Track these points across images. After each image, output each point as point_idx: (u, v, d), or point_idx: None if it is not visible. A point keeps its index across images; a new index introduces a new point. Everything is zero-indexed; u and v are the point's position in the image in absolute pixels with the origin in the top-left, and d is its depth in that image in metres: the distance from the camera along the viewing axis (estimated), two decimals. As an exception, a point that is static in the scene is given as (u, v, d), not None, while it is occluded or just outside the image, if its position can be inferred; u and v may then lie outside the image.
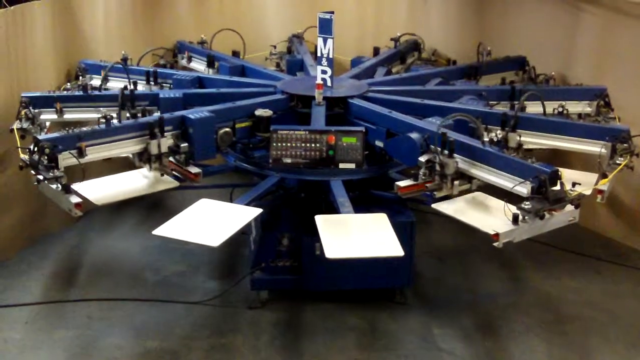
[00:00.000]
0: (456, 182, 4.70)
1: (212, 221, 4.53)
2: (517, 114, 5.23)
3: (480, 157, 4.67)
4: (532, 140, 5.28)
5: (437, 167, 4.68)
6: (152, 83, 6.42)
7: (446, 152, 4.66)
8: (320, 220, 4.50)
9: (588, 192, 4.72)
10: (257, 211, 4.69)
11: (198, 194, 5.30)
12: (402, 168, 5.51)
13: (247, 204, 4.90)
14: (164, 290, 5.76)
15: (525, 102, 5.50)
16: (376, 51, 7.60)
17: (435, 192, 4.75)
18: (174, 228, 4.42)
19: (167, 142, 5.00)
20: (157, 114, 5.40)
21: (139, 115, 5.30)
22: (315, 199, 5.58)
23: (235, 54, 7.40)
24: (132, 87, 5.86)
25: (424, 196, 5.27)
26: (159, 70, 6.59)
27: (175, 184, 5.11)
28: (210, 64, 7.10)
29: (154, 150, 4.93)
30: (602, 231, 6.70)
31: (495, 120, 5.30)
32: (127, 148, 4.98)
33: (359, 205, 4.99)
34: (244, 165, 5.67)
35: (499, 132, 5.05)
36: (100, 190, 4.80)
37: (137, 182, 5.07)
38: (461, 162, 4.73)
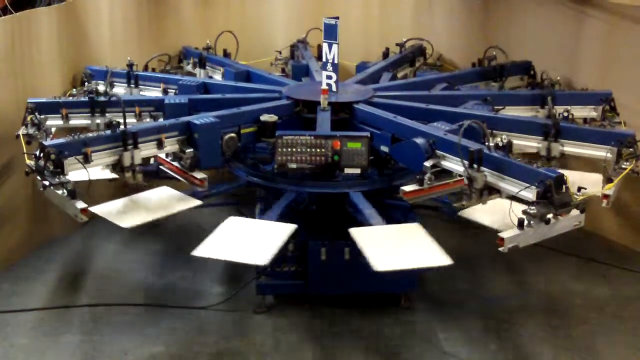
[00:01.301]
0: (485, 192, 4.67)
1: (249, 239, 4.58)
2: (558, 122, 5.28)
3: (485, 162, 4.67)
4: (535, 144, 5.30)
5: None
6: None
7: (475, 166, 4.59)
8: (358, 233, 4.52)
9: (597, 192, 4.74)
10: (291, 227, 4.72)
11: (209, 208, 5.31)
12: (410, 178, 5.43)
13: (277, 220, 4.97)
14: (170, 295, 5.77)
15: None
16: (386, 54, 7.59)
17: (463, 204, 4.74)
18: (213, 248, 4.45)
19: (171, 147, 5.06)
20: (162, 120, 5.42)
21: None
22: (329, 210, 5.59)
23: (227, 55, 7.41)
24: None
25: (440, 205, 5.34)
26: (165, 75, 6.62)
27: (199, 202, 5.11)
28: (201, 65, 7.19)
29: (126, 162, 4.91)
30: (608, 235, 6.69)
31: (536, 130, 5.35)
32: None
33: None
34: (255, 180, 5.67)
35: (504, 137, 5.05)
36: (123, 212, 4.82)
37: (158, 201, 5.06)
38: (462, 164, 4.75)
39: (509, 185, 4.56)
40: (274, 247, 4.44)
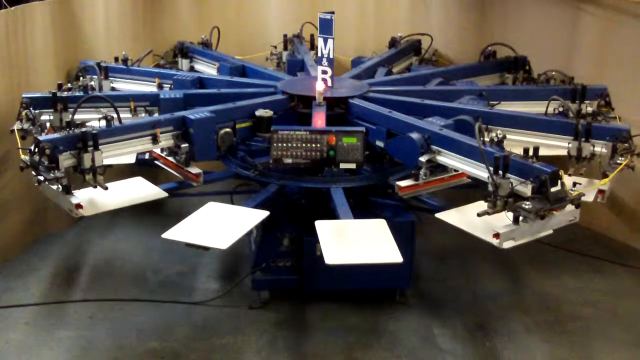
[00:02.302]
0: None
1: (220, 224, 4.57)
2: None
3: (480, 157, 4.67)
4: (527, 139, 5.28)
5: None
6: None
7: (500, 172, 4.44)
8: (320, 225, 4.52)
9: (590, 198, 4.72)
10: (264, 214, 4.72)
11: (200, 199, 5.31)
12: (403, 175, 5.39)
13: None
14: (165, 290, 5.77)
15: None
16: (393, 42, 7.58)
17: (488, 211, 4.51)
18: (183, 231, 4.46)
19: (167, 142, 5.05)
20: (156, 115, 5.41)
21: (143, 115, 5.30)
22: (317, 204, 5.59)
23: (206, 45, 7.42)
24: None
25: (428, 204, 5.31)
26: (160, 70, 6.61)
27: (165, 194, 5.12)
28: (184, 56, 7.22)
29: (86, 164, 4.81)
30: (603, 231, 6.71)
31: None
32: (129, 148, 5.00)
33: (360, 209, 4.99)
34: (244, 172, 5.66)
35: (499, 132, 5.04)
36: (92, 199, 4.80)
37: (128, 191, 5.06)
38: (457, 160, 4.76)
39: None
40: (240, 233, 4.44)
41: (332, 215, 4.94)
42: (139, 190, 5.10)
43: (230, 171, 5.84)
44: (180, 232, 4.45)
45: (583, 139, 5.09)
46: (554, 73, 6.37)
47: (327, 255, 4.22)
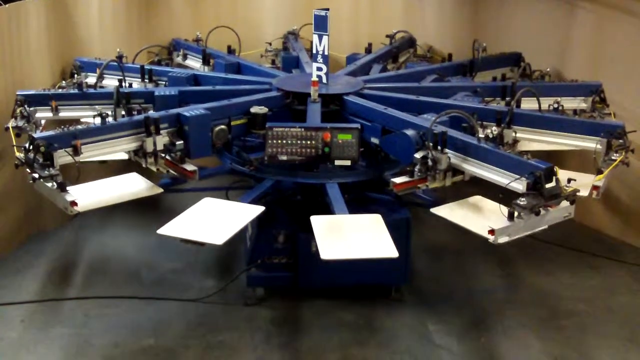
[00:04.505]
0: (449, 174, 4.75)
1: (215, 220, 4.56)
2: (512, 110, 5.22)
3: (475, 153, 4.68)
4: (527, 136, 5.29)
5: (430, 162, 4.71)
6: (147, 81, 6.43)
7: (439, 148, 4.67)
8: (316, 221, 4.52)
9: (585, 193, 4.73)
10: (259, 209, 4.72)
11: (195, 195, 5.32)
12: (397, 170, 5.42)
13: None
14: (160, 288, 5.76)
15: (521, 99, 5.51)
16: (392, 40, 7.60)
17: (427, 184, 4.77)
18: (178, 227, 4.45)
19: (162, 139, 5.01)
20: (152, 112, 5.40)
21: (135, 112, 5.29)
22: (312, 200, 5.59)
23: (231, 51, 7.39)
24: (127, 84, 5.88)
25: (423, 200, 5.31)
26: (155, 67, 6.60)
27: (159, 190, 5.11)
28: (205, 61, 7.12)
29: (149, 148, 4.93)
30: (597, 227, 6.72)
31: (491, 117, 5.29)
32: (123, 146, 4.99)
33: (355, 204, 4.99)
34: (239, 168, 5.66)
35: (494, 128, 5.05)
36: (86, 196, 4.78)
37: (122, 187, 5.05)
38: (454, 157, 4.76)
39: (498, 177, 4.57)
40: (236, 228, 4.43)
41: (328, 211, 4.94)
42: (134, 186, 5.09)
43: (226, 167, 5.84)
44: (176, 227, 4.44)
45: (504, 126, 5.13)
46: (548, 69, 6.40)
47: (322, 251, 4.23)
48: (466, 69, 6.82)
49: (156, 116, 4.99)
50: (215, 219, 4.57)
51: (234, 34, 7.34)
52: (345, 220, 4.68)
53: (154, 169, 5.02)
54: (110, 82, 6.43)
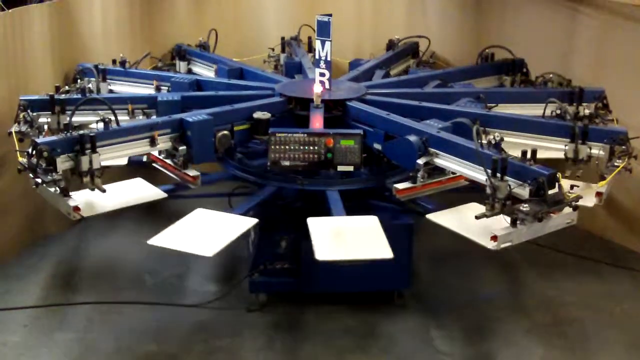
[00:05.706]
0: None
1: (207, 231, 4.55)
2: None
3: (478, 159, 4.67)
4: (525, 142, 5.27)
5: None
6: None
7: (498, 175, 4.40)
8: (312, 222, 4.52)
9: (590, 203, 4.72)
10: (252, 221, 4.70)
11: (199, 201, 5.32)
12: (399, 178, 5.37)
13: (244, 213, 4.93)
14: (163, 293, 5.77)
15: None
16: (390, 45, 7.57)
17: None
18: (169, 238, 4.44)
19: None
20: (154, 117, 5.41)
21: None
22: (314, 207, 5.58)
23: (204, 48, 7.42)
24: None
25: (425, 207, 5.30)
26: (158, 73, 6.61)
27: (164, 195, 5.12)
28: (181, 58, 7.24)
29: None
30: (601, 233, 6.70)
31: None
32: (127, 151, 5.00)
33: (358, 210, 5.00)
34: (242, 174, 5.66)
35: (497, 134, 5.04)
36: (90, 201, 4.79)
37: (126, 192, 5.06)
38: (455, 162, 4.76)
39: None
40: (226, 241, 4.41)
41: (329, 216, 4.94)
42: (138, 191, 5.10)
43: (228, 173, 5.84)
44: (167, 238, 4.44)
45: (580, 141, 5.08)
46: (551, 75, 6.38)
47: (318, 251, 4.24)
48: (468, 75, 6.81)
49: (159, 121, 5.00)
50: (207, 230, 4.57)
51: (239, 38, 7.33)
52: (342, 222, 4.70)
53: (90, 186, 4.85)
54: (114, 88, 6.45)
